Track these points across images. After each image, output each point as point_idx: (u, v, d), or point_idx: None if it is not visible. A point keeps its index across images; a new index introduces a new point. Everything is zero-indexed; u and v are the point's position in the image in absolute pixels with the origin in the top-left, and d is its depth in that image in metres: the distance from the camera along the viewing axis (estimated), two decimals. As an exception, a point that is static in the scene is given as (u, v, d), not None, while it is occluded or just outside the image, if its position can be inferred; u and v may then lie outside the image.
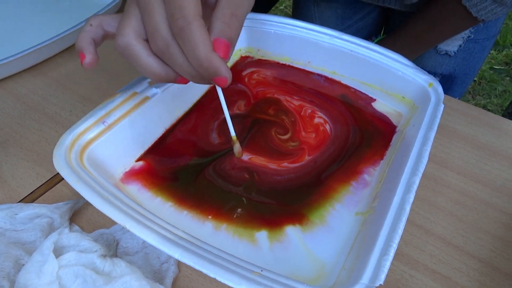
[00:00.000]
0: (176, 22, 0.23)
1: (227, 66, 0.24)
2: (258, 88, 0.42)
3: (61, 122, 0.37)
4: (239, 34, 0.25)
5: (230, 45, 0.24)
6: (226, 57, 0.24)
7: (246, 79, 0.42)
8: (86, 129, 0.30)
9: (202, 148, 0.35)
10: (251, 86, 0.42)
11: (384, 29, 0.73)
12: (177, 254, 0.23)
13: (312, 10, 0.71)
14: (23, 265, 0.26)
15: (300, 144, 0.35)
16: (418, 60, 0.66)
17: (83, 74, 0.42)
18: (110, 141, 0.31)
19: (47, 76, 0.41)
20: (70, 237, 0.26)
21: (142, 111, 0.33)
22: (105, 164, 0.31)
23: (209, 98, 0.40)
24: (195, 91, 0.39)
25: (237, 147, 0.31)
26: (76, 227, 0.29)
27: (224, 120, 0.37)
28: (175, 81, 0.27)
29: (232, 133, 0.30)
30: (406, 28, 0.58)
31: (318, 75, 0.42)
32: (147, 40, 0.25)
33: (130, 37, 0.25)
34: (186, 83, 0.27)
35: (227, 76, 0.24)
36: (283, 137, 0.36)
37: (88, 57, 0.27)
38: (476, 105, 1.46)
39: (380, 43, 0.65)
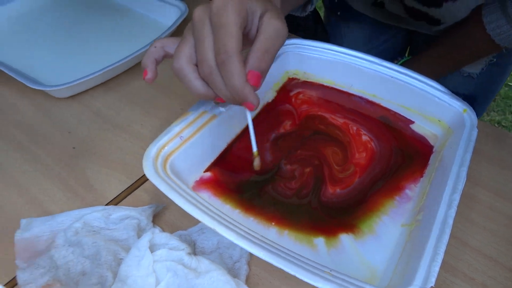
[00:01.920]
0: (220, 56, 0.28)
1: (256, 94, 0.30)
2: (303, 107, 0.46)
3: (133, 133, 0.42)
4: (270, 66, 0.31)
5: (261, 76, 0.30)
6: (257, 86, 0.30)
7: (293, 99, 0.47)
8: (167, 143, 0.35)
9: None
10: (297, 106, 0.46)
11: (409, 50, 0.78)
12: (261, 253, 0.27)
13: (342, 29, 0.76)
14: (121, 259, 0.30)
15: (354, 168, 0.39)
16: (441, 80, 0.70)
17: (147, 90, 0.47)
18: (185, 154, 0.36)
19: (117, 91, 0.46)
20: (161, 236, 0.30)
21: (210, 127, 0.38)
22: (181, 173, 0.35)
23: (262, 117, 0.44)
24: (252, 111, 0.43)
25: (257, 160, 0.34)
26: (158, 228, 0.33)
27: (274, 139, 0.41)
28: (214, 100, 0.32)
29: (254, 149, 0.34)
30: (431, 52, 0.62)
31: (359, 97, 0.46)
32: (196, 65, 0.31)
33: (183, 61, 0.31)
34: (223, 102, 0.33)
35: (255, 103, 0.30)
36: (338, 167, 0.40)
37: (150, 74, 0.33)
38: (490, 121, 1.50)
39: (406, 64, 0.69)
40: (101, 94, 0.45)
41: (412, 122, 0.44)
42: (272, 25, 0.30)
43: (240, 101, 0.30)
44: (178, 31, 0.52)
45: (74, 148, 0.40)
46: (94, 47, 0.51)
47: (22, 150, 0.39)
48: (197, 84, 0.31)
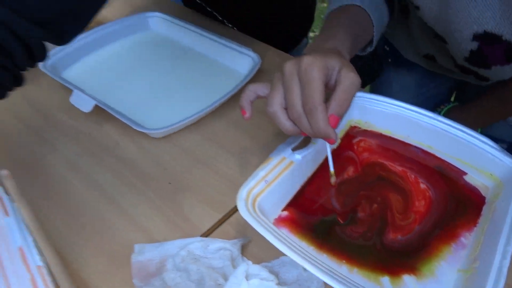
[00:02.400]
0: (308, 106, 0.36)
1: (336, 132, 0.38)
2: (364, 154, 0.52)
3: (218, 171, 0.48)
4: (347, 111, 0.38)
5: (339, 119, 0.38)
6: (335, 127, 0.38)
7: (355, 147, 0.52)
8: (254, 186, 0.41)
9: (327, 209, 0.45)
10: (358, 153, 0.52)
11: (456, 95, 0.82)
12: (338, 286, 0.32)
13: (392, 74, 0.81)
14: (220, 284, 0.36)
15: (414, 216, 0.44)
16: (488, 127, 0.73)
17: (228, 131, 0.54)
18: (268, 195, 0.42)
19: (203, 132, 0.53)
20: (254, 268, 0.36)
21: (288, 172, 0.44)
22: (265, 211, 0.41)
23: (338, 152, 0.50)
24: (321, 156, 0.49)
25: (333, 178, 0.43)
26: (250, 261, 0.39)
27: (339, 185, 0.47)
28: (300, 135, 0.42)
29: (332, 169, 0.43)
30: (479, 102, 0.67)
31: (416, 147, 0.51)
32: (285, 108, 0.39)
33: (276, 107, 0.39)
34: (299, 150, 0.43)
35: (335, 139, 0.38)
36: (399, 215, 0.45)
37: (248, 113, 0.42)
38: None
39: (455, 110, 0.74)
40: (189, 134, 0.53)
41: (465, 174, 0.48)
42: (348, 78, 0.38)
43: (322, 138, 0.38)
44: (253, 78, 0.58)
45: (170, 183, 0.47)
46: (182, 92, 0.58)
47: (129, 184, 0.46)
48: (287, 124, 0.39)
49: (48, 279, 0.33)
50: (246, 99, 0.42)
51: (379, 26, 0.56)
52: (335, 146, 0.51)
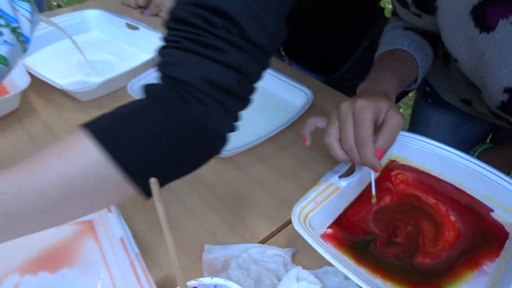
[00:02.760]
0: (359, 140, 0.46)
1: (380, 163, 0.47)
2: (401, 186, 0.59)
3: (272, 191, 0.57)
4: (391, 146, 0.47)
5: (384, 152, 0.47)
6: (380, 159, 0.46)
7: (392, 179, 0.59)
8: (306, 205, 0.49)
9: (365, 230, 0.52)
10: (396, 184, 0.59)
11: (491, 137, 0.87)
12: (378, 296, 0.39)
13: (430, 113, 0.87)
14: (274, 284, 0.44)
15: (442, 244, 0.51)
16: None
17: (280, 156, 0.62)
18: (317, 213, 0.50)
19: (259, 155, 0.62)
20: (303, 272, 0.44)
21: (334, 196, 0.52)
22: (313, 227, 0.49)
23: (367, 191, 0.57)
24: (362, 185, 0.57)
25: (374, 199, 0.52)
26: (295, 265, 0.47)
27: (376, 211, 0.54)
28: (350, 162, 0.51)
29: (373, 192, 0.52)
30: (511, 146, 0.72)
31: (449, 183, 0.58)
32: (339, 140, 0.48)
33: (332, 139, 0.48)
34: (346, 177, 0.52)
35: (379, 168, 0.47)
36: (430, 243, 0.51)
37: (308, 141, 0.52)
38: None
39: (486, 151, 0.79)
40: (248, 156, 0.61)
41: (492, 211, 0.54)
42: (395, 119, 0.47)
43: (369, 166, 0.47)
44: (307, 115, 0.67)
45: (233, 197, 0.56)
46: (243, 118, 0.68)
47: (201, 195, 0.56)
48: (340, 153, 0.49)
49: (143, 264, 0.42)
50: (307, 129, 0.53)
51: (424, 68, 0.63)
52: (376, 174, 0.58)
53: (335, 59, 0.92)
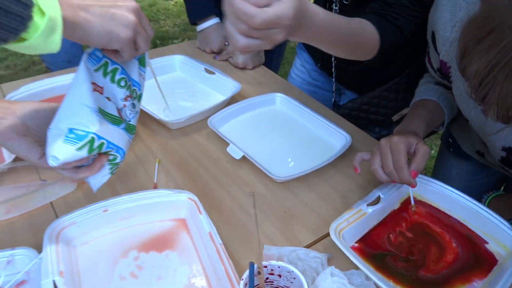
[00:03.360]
0: (396, 165, 0.64)
1: (415, 181, 0.65)
2: (415, 216, 0.75)
3: (316, 210, 0.75)
4: (422, 169, 0.65)
5: (417, 174, 0.65)
6: (414, 177, 0.64)
7: (409, 211, 0.76)
8: (340, 223, 0.67)
9: (384, 247, 0.69)
10: (411, 215, 0.75)
11: (505, 186, 1.01)
12: (388, 290, 0.56)
13: (451, 161, 1.02)
14: (314, 277, 0.62)
15: (443, 264, 0.66)
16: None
17: (321, 184, 0.80)
18: (348, 230, 0.67)
19: (306, 182, 0.80)
20: (336, 271, 0.61)
21: (362, 219, 0.69)
22: (345, 241, 0.66)
23: (389, 218, 0.74)
24: (385, 211, 0.73)
25: (414, 208, 0.72)
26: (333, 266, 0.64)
27: (389, 235, 0.70)
28: (390, 182, 0.68)
29: (412, 202, 0.71)
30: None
31: (455, 219, 0.73)
32: (382, 167, 0.67)
33: (376, 166, 0.67)
34: (372, 205, 0.69)
35: (415, 184, 0.65)
36: (433, 262, 0.67)
37: (358, 169, 0.71)
38: None
39: (497, 197, 0.93)
40: (297, 182, 0.80)
41: (487, 243, 0.69)
42: (423, 148, 0.66)
43: (407, 184, 0.67)
44: (345, 154, 0.85)
45: (285, 212, 0.74)
46: (294, 151, 0.87)
47: (261, 210, 0.74)
48: (384, 177, 0.68)
49: (226, 252, 0.60)
50: (356, 161, 0.73)
51: (449, 115, 0.81)
52: (396, 206, 0.75)
53: (372, 83, 1.06)
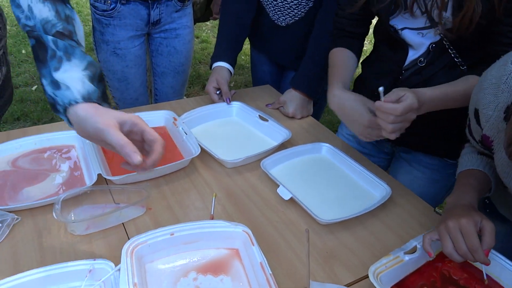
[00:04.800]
0: (472, 248, 0.68)
1: (489, 260, 0.68)
2: (450, 269, 0.80)
3: (353, 251, 0.81)
4: (493, 246, 0.68)
5: (489, 251, 0.68)
6: (487, 256, 0.68)
7: (445, 262, 0.81)
8: (378, 267, 0.73)
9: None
10: (445, 264, 0.80)
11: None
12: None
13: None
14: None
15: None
16: None
17: (362, 229, 0.87)
18: (385, 275, 0.73)
19: (348, 227, 0.87)
20: (373, 309, 0.67)
21: (399, 265, 0.75)
22: (382, 284, 0.72)
23: (431, 262, 0.79)
24: (421, 261, 0.79)
25: (486, 281, 0.72)
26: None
27: (429, 285, 0.76)
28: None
29: (485, 277, 0.72)
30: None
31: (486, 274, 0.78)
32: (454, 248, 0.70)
33: (450, 249, 0.71)
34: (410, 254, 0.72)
35: (489, 263, 0.69)
36: None
37: (432, 254, 0.74)
38: None
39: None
40: (339, 227, 0.87)
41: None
42: (489, 225, 0.70)
43: (481, 262, 0.69)
44: (385, 204, 0.92)
45: (327, 252, 0.81)
46: (337, 196, 0.95)
47: (302, 247, 0.82)
48: (459, 258, 0.70)
49: (276, 283, 0.68)
50: (427, 245, 0.75)
51: (495, 182, 0.86)
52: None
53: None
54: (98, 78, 0.72)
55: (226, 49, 1.35)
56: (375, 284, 0.70)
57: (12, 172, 0.94)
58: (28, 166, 0.97)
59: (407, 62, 1.01)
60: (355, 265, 0.79)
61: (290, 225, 0.88)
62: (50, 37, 0.69)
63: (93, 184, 0.89)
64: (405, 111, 0.80)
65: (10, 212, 0.82)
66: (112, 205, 0.89)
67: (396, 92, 0.82)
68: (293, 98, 1.28)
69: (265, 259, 0.72)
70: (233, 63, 1.34)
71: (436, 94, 0.87)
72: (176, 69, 1.65)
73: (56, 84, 0.68)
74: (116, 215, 0.84)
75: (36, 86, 3.02)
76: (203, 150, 1.03)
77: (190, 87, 3.24)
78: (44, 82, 0.69)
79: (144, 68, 1.62)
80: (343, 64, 1.07)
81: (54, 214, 0.77)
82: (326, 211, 0.91)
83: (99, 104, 0.69)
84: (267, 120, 1.17)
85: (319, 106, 1.52)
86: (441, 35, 0.93)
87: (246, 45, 1.66)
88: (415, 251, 0.79)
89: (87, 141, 1.00)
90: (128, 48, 1.50)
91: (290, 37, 1.40)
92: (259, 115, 1.19)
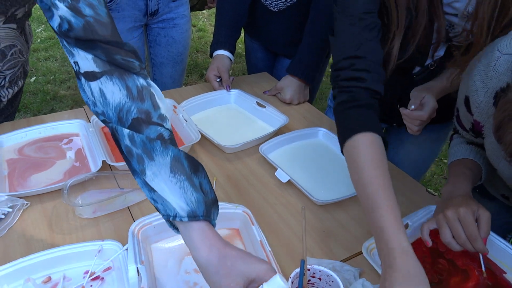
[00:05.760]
0: (471, 237, 0.69)
1: (487, 248, 0.69)
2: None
3: (348, 229, 0.86)
4: (489, 234, 0.71)
5: (486, 239, 0.69)
6: (485, 243, 0.69)
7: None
8: (372, 243, 0.77)
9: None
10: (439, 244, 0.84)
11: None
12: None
13: (477, 201, 1.10)
14: (346, 286, 0.72)
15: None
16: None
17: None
18: None
19: (346, 208, 0.91)
20: (367, 282, 0.71)
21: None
22: (375, 260, 0.76)
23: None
24: (414, 235, 0.83)
25: (484, 274, 0.74)
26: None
27: (421, 261, 0.80)
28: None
29: (483, 269, 0.74)
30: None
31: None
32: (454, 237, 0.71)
33: (449, 238, 0.71)
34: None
35: (487, 252, 0.70)
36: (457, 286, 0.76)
37: (429, 242, 0.74)
38: None
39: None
40: (336, 206, 0.91)
41: (505, 272, 0.78)
42: (486, 214, 0.71)
43: (480, 252, 0.71)
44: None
45: (323, 231, 0.85)
46: (331, 178, 0.99)
47: (300, 226, 0.86)
48: (457, 247, 0.71)
49: (275, 259, 0.72)
50: (425, 235, 0.74)
51: (485, 170, 0.89)
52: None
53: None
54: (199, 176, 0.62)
55: (225, 36, 1.36)
56: (368, 259, 0.74)
57: (19, 160, 0.98)
58: (34, 154, 1.00)
59: (417, 69, 1.05)
60: (350, 242, 0.83)
61: (288, 205, 0.92)
62: (126, 131, 0.59)
63: (98, 170, 0.92)
64: (430, 116, 0.93)
65: (20, 198, 0.85)
66: (117, 189, 0.92)
67: (416, 95, 0.94)
68: (290, 84, 1.30)
69: (264, 237, 0.76)
70: (232, 50, 1.36)
71: (443, 85, 0.97)
72: (174, 58, 1.67)
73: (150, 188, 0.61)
74: (121, 199, 0.87)
75: (34, 78, 3.04)
76: (203, 136, 1.06)
77: (188, 76, 3.26)
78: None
79: (143, 59, 1.65)
80: (387, 183, 0.72)
81: (63, 199, 0.81)
82: (322, 192, 0.95)
83: (208, 221, 0.60)
84: (264, 107, 1.21)
85: (311, 89, 1.55)
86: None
87: (244, 34, 1.68)
88: (407, 227, 0.83)
89: (91, 129, 1.04)
90: (127, 40, 1.52)
91: (282, 23, 1.42)
92: (256, 102, 1.22)
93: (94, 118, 1.10)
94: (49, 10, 0.58)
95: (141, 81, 0.62)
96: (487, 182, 1.05)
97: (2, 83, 1.09)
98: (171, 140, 0.63)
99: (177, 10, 1.60)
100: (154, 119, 0.61)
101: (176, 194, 0.59)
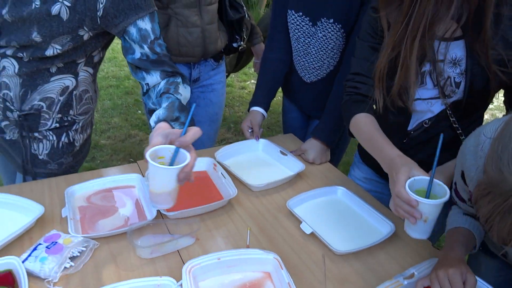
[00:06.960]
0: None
1: None
2: None
3: (363, 277, 1.01)
4: None
5: None
6: None
7: None
8: (387, 286, 0.92)
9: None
10: None
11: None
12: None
13: (481, 259, 1.22)
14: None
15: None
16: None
17: (368, 257, 1.06)
18: (388, 295, 0.92)
19: (362, 258, 1.07)
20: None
21: (400, 287, 0.94)
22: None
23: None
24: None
25: None
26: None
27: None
28: None
29: None
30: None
31: None
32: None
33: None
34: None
35: None
36: None
37: None
38: None
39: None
40: (353, 256, 1.07)
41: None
42: (472, 280, 0.84)
43: None
44: (390, 238, 1.11)
45: (341, 277, 1.01)
46: (349, 231, 1.15)
47: (320, 273, 1.02)
48: None
49: None
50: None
51: (479, 238, 1.01)
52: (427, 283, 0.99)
53: None
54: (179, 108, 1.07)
55: (261, 96, 1.65)
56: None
57: (88, 207, 1.18)
58: (100, 202, 1.21)
59: (413, 125, 1.21)
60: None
61: (311, 254, 1.08)
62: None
63: (153, 219, 1.12)
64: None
65: (91, 239, 1.05)
66: (168, 235, 1.11)
67: None
68: (313, 146, 1.50)
69: (292, 280, 0.93)
70: (266, 108, 1.65)
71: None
72: (211, 118, 1.92)
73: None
74: (173, 243, 1.06)
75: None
76: (234, 178, 1.28)
77: (217, 129, 3.51)
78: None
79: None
80: (383, 134, 1.12)
81: (128, 240, 1.00)
82: (341, 243, 1.11)
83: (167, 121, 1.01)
84: (286, 155, 1.42)
85: (340, 150, 1.75)
86: (446, 104, 1.13)
87: (282, 97, 1.92)
88: (413, 277, 0.97)
89: (145, 182, 1.25)
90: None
91: (314, 92, 1.66)
92: (280, 151, 1.46)
93: (147, 172, 1.31)
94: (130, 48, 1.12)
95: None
96: (489, 242, 1.19)
97: (76, 127, 1.30)
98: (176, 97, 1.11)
99: (215, 77, 1.86)
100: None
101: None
